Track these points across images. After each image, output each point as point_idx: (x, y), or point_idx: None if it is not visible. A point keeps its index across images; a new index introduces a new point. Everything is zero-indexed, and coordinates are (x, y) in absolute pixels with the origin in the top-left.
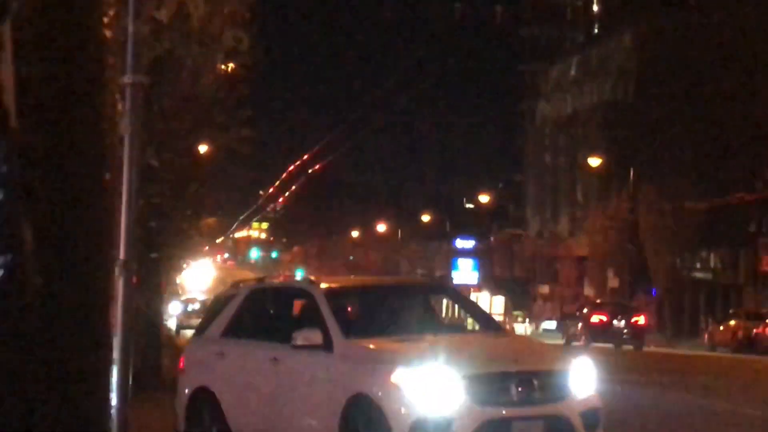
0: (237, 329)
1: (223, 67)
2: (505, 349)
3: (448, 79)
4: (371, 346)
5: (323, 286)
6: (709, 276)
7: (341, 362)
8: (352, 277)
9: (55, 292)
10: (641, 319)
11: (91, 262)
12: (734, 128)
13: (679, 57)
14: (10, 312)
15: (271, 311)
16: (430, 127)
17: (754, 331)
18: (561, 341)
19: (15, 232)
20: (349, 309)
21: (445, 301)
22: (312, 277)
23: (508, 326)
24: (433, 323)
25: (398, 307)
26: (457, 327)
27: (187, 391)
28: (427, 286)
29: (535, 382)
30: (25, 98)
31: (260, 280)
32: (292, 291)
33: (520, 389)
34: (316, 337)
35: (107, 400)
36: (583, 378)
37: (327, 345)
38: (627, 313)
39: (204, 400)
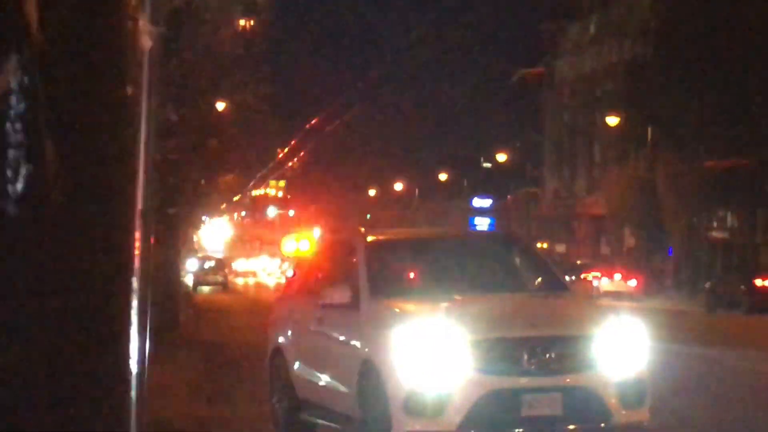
0: (305, 286)
1: (241, 22)
2: (532, 311)
3: (466, 38)
4: (391, 306)
5: (369, 239)
6: (726, 235)
7: (364, 323)
8: (409, 229)
9: (76, 216)
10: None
11: (113, 194)
12: (754, 88)
13: (699, 15)
14: (28, 228)
15: (327, 266)
16: (448, 85)
17: None
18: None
19: (37, 144)
20: (395, 264)
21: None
22: (362, 228)
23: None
24: (490, 281)
25: (455, 263)
26: (520, 285)
27: (269, 349)
28: (492, 239)
29: (554, 349)
30: (47, 11)
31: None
32: (344, 245)
33: (535, 357)
34: (343, 295)
35: (126, 358)
36: (624, 344)
37: (354, 303)
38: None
39: (278, 357)
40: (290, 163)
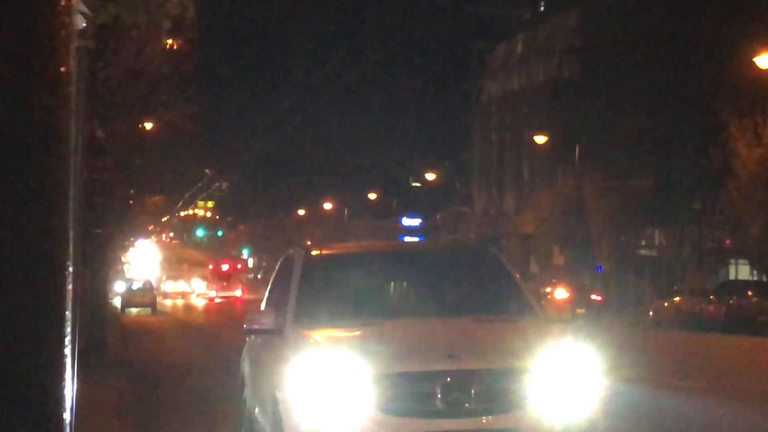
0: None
1: (168, 41)
2: (461, 339)
3: (394, 57)
4: (305, 335)
5: (313, 253)
6: (653, 252)
7: (282, 352)
8: (366, 242)
9: (7, 192)
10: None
11: (48, 193)
12: (680, 106)
13: (624, 35)
14: None
15: (274, 286)
16: (376, 105)
17: (699, 307)
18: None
19: None
20: (337, 283)
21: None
22: (308, 242)
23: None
24: (439, 302)
25: (409, 280)
26: (473, 306)
27: (238, 377)
28: (460, 253)
29: (474, 386)
30: None
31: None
32: (286, 261)
33: (449, 395)
34: (266, 320)
35: (60, 378)
36: (571, 379)
37: (279, 329)
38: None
39: (244, 388)
40: (218, 184)
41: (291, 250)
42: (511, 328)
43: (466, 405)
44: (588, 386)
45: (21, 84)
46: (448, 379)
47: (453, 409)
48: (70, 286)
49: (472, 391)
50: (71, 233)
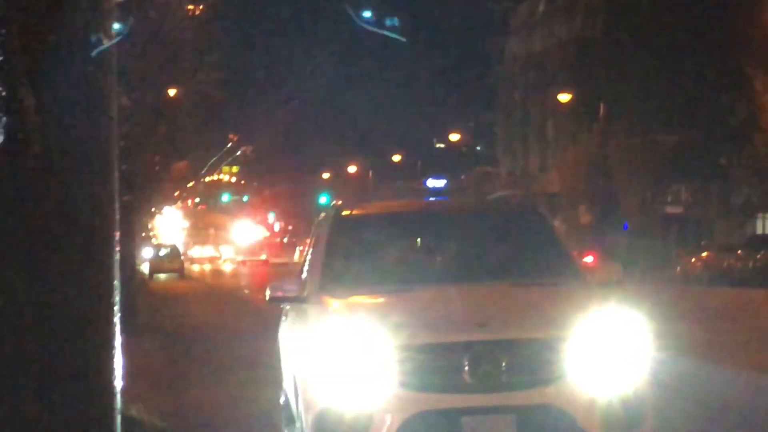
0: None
1: (191, 7)
2: (493, 307)
3: (417, 19)
4: (327, 303)
5: (343, 213)
6: (680, 209)
7: (303, 321)
8: (402, 201)
9: (56, 157)
10: None
11: (90, 135)
12: (705, 61)
13: None
14: (11, 176)
15: (310, 248)
16: (399, 67)
17: (726, 263)
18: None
19: (14, 94)
20: (370, 246)
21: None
22: (339, 201)
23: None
24: (476, 265)
25: (445, 242)
26: (510, 271)
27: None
28: (504, 211)
29: (507, 357)
30: None
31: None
32: (320, 222)
33: (479, 368)
34: (290, 287)
35: (111, 346)
36: (616, 349)
37: (304, 297)
38: None
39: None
40: (243, 149)
41: (323, 212)
42: (551, 294)
43: (498, 379)
44: (635, 356)
45: (64, 51)
46: (478, 350)
47: (483, 384)
48: (117, 256)
49: (504, 364)
50: (116, 202)
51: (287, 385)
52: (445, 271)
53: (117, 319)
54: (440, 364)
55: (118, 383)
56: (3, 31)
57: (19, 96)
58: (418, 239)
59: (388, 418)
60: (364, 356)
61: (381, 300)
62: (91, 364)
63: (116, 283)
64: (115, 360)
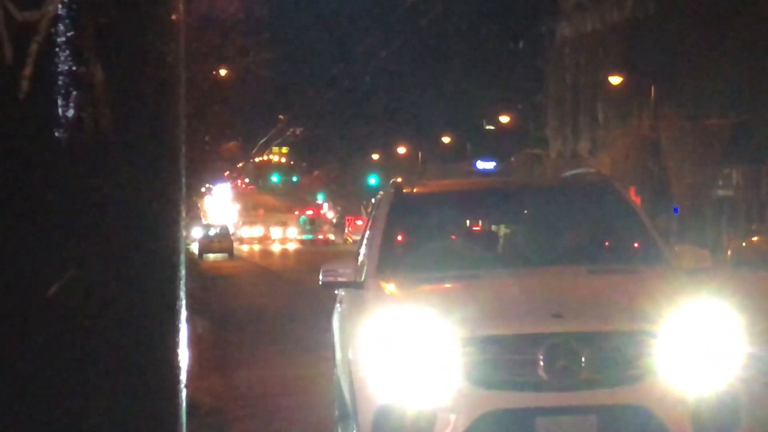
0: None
1: None
2: (571, 295)
3: (467, 2)
4: (385, 289)
5: (404, 191)
6: (731, 193)
7: (360, 308)
8: (467, 179)
9: (125, 132)
10: None
11: (161, 123)
12: (760, 42)
13: None
14: (81, 150)
15: (368, 228)
16: (449, 49)
17: None
18: None
19: (86, 70)
20: (434, 227)
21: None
22: (398, 178)
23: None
24: (550, 249)
25: (516, 223)
26: (588, 255)
27: None
28: (579, 189)
29: (587, 352)
30: None
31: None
32: (378, 201)
33: (556, 363)
34: (344, 271)
35: (177, 335)
36: (706, 344)
37: (359, 281)
38: None
39: None
40: (292, 129)
41: (382, 191)
42: (635, 281)
43: (577, 375)
44: (728, 353)
45: (137, 32)
46: (554, 343)
47: (560, 381)
48: (182, 242)
49: (583, 359)
50: (183, 181)
51: (342, 378)
52: (516, 255)
53: (183, 307)
54: (512, 359)
55: (184, 375)
56: (74, 5)
57: (89, 70)
58: (486, 220)
59: (454, 418)
60: (427, 349)
61: (445, 287)
62: (158, 353)
63: (183, 270)
64: (180, 350)
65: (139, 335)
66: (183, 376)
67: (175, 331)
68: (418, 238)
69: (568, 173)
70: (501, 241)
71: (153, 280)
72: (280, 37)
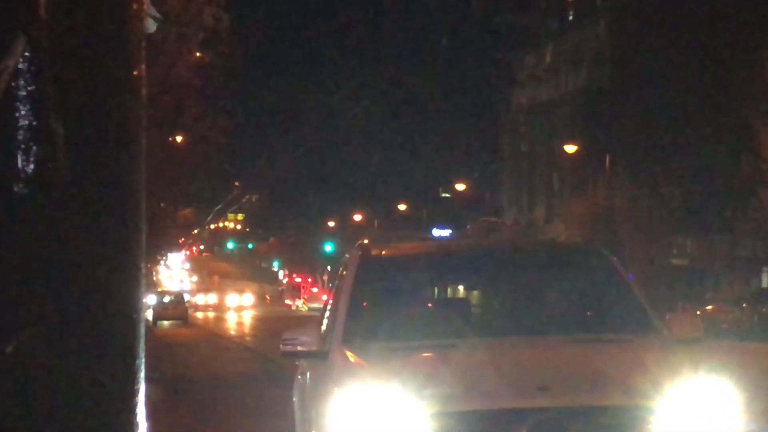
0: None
1: (199, 54)
2: (558, 366)
3: (421, 69)
4: (352, 362)
5: (372, 253)
6: (685, 262)
7: (324, 381)
8: (442, 240)
9: (85, 188)
10: None
11: (120, 160)
12: (710, 113)
13: (653, 43)
14: (40, 205)
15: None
16: (404, 118)
17: (731, 316)
18: None
19: (46, 124)
20: (405, 292)
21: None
22: (365, 240)
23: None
24: (533, 316)
25: (493, 288)
26: (575, 323)
27: None
28: (560, 254)
29: (576, 429)
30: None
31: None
32: (343, 265)
33: None
34: (306, 339)
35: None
36: (704, 420)
37: (324, 352)
38: None
39: None
40: (248, 196)
41: (348, 254)
42: (625, 352)
43: None
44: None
45: (99, 88)
46: (539, 419)
47: None
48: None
49: None
50: (143, 238)
51: None
52: (495, 323)
53: (142, 374)
54: None
55: None
56: (35, 60)
57: (49, 125)
58: (462, 285)
59: None
60: (396, 427)
61: (417, 358)
62: (117, 417)
63: (142, 328)
64: (140, 411)
65: (99, 396)
66: None
67: (134, 393)
68: (387, 304)
69: (554, 236)
70: (479, 307)
71: (113, 338)
72: (237, 103)
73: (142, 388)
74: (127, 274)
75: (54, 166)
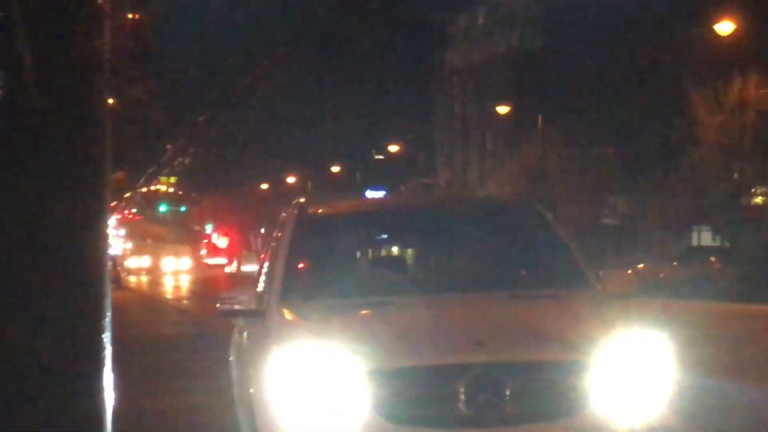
0: None
1: (130, 16)
2: (492, 322)
3: (355, 30)
4: (289, 320)
5: (309, 211)
6: (617, 221)
7: (262, 340)
8: (379, 198)
9: (51, 121)
10: None
11: (87, 98)
12: (642, 74)
13: (586, 5)
14: (7, 135)
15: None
16: (337, 78)
17: (661, 274)
18: None
19: (14, 51)
20: (341, 251)
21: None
22: (302, 198)
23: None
24: (467, 273)
25: (431, 245)
26: (510, 279)
27: None
28: (497, 210)
29: (512, 384)
30: None
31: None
32: (280, 224)
33: (478, 396)
34: (244, 298)
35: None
36: (637, 371)
37: (261, 310)
38: None
39: None
40: (180, 159)
41: (284, 212)
42: (561, 307)
43: (501, 409)
44: (661, 383)
45: (64, 17)
46: (475, 374)
47: (483, 416)
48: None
49: (508, 392)
50: (108, 170)
51: (241, 413)
52: (432, 280)
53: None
54: (429, 393)
55: (110, 405)
56: None
57: (16, 50)
58: (399, 242)
59: None
60: (335, 385)
61: (353, 315)
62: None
63: (107, 261)
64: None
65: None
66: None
67: (102, 314)
68: (324, 262)
69: (488, 194)
70: (416, 264)
71: (78, 268)
72: (169, 67)
73: (108, 303)
74: (92, 205)
75: (22, 91)
